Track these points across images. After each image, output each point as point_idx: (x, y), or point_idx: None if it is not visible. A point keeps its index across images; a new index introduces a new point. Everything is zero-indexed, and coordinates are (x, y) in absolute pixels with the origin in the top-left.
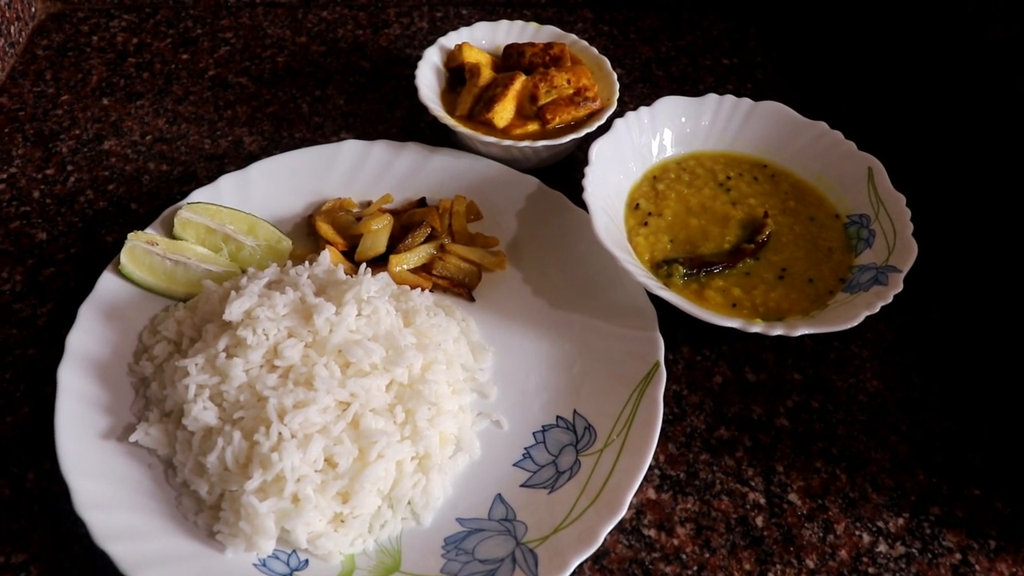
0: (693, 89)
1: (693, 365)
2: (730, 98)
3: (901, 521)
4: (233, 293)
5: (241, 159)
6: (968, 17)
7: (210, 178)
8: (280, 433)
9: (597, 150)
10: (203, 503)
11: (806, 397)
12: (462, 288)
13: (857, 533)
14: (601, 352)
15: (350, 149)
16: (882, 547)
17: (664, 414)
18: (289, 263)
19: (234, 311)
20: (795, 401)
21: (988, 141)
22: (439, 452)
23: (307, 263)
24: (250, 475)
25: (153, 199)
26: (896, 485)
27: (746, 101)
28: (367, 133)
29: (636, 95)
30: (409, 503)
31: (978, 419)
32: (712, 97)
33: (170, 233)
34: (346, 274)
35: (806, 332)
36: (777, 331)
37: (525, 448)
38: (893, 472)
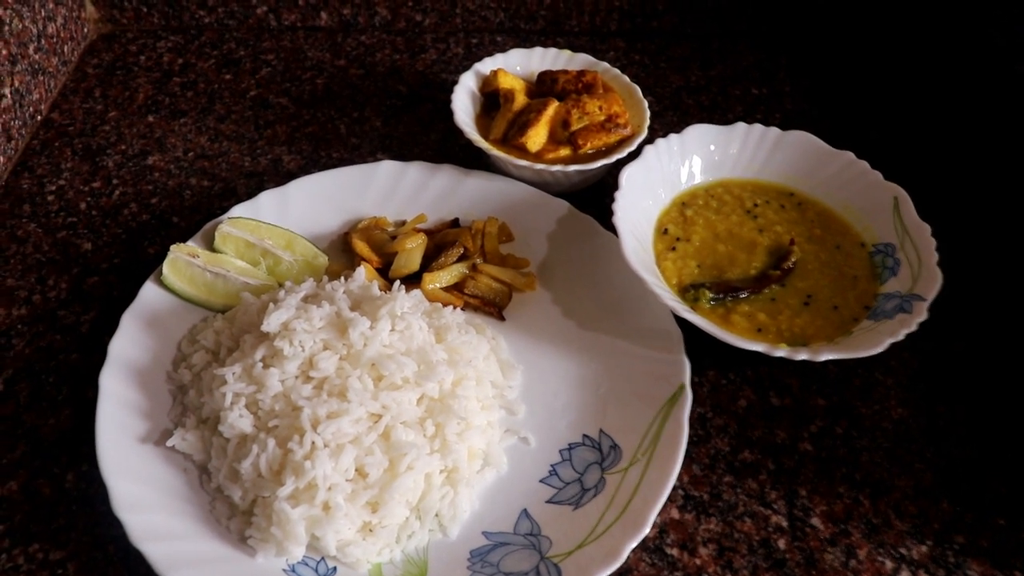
0: (722, 118)
1: (718, 388)
2: (758, 127)
3: (924, 549)
4: (271, 305)
5: (280, 177)
6: (998, 50)
7: (250, 194)
8: (313, 442)
9: (627, 175)
10: (236, 508)
11: (830, 422)
12: (493, 307)
13: (880, 559)
14: (628, 373)
15: (386, 169)
16: (905, 574)
17: (689, 435)
18: (325, 278)
19: (272, 322)
20: (819, 426)
21: (1015, 173)
22: (467, 466)
23: (343, 279)
24: (283, 482)
25: (194, 213)
26: (920, 512)
27: (774, 130)
28: (403, 154)
29: (666, 123)
30: (436, 515)
31: (1003, 448)
32: (741, 126)
33: (211, 246)
34: (380, 291)
35: (830, 358)
36: (802, 356)
37: (551, 465)
38: (917, 499)
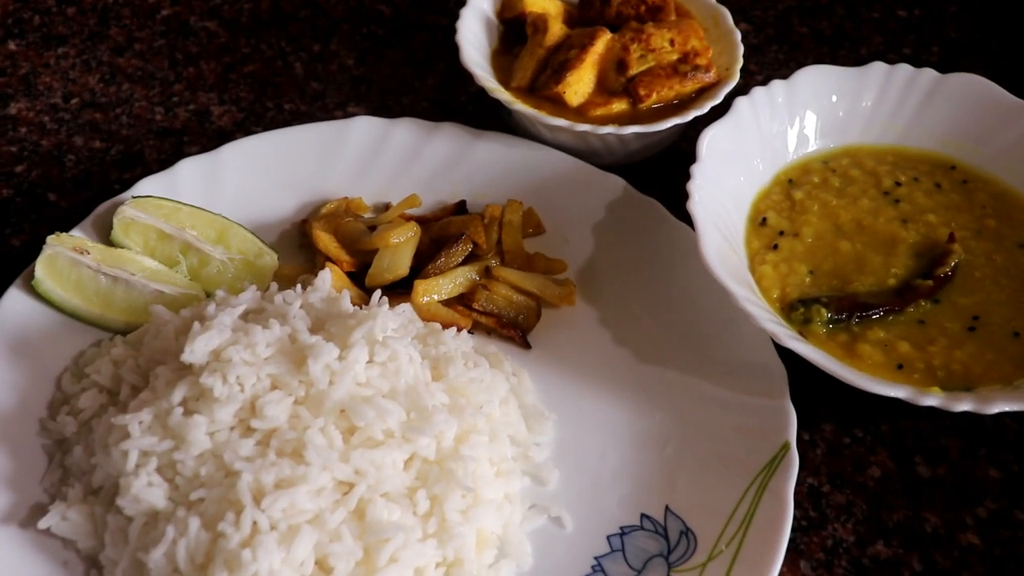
0: (851, 54)
1: (838, 450)
2: (905, 68)
3: None
4: (196, 325)
5: (207, 137)
6: None
7: (164, 162)
8: (255, 522)
9: (710, 141)
10: None
11: (1007, 504)
12: (514, 330)
13: None
14: (707, 426)
15: (362, 130)
16: None
17: (795, 518)
18: (274, 286)
19: (197, 350)
20: (990, 509)
21: None
22: (475, 559)
23: (299, 287)
24: None
25: (81, 189)
26: None
27: (929, 72)
28: (386, 107)
29: (768, 62)
30: None
31: None
32: (879, 67)
33: (106, 238)
34: (353, 304)
35: (1007, 409)
36: (964, 406)
37: (596, 558)
38: None
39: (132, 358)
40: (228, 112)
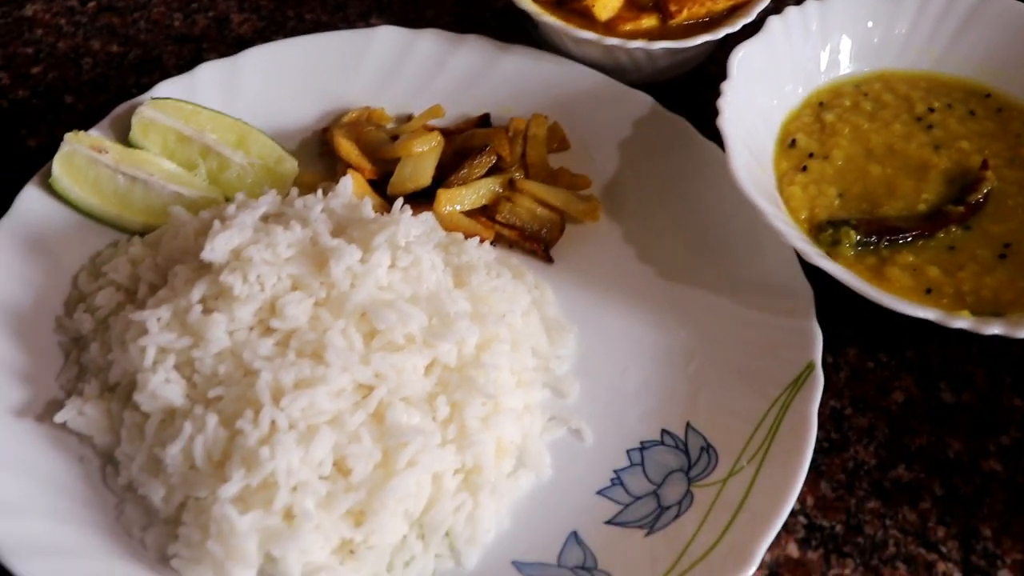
0: None
1: (862, 374)
2: None
3: None
4: (216, 223)
5: (226, 45)
6: None
7: (182, 68)
8: (274, 421)
9: (741, 60)
10: (155, 514)
11: None
12: (536, 243)
13: None
14: (731, 344)
15: (385, 40)
16: None
17: (817, 439)
18: (294, 191)
19: (217, 248)
20: (1014, 437)
21: None
22: (493, 466)
23: (319, 192)
24: (227, 477)
25: (98, 92)
26: None
27: None
28: (409, 18)
29: None
30: (447, 534)
31: None
32: None
33: (125, 138)
34: (375, 211)
35: None
36: (993, 330)
37: (615, 471)
38: None
39: (150, 257)
40: (248, 20)
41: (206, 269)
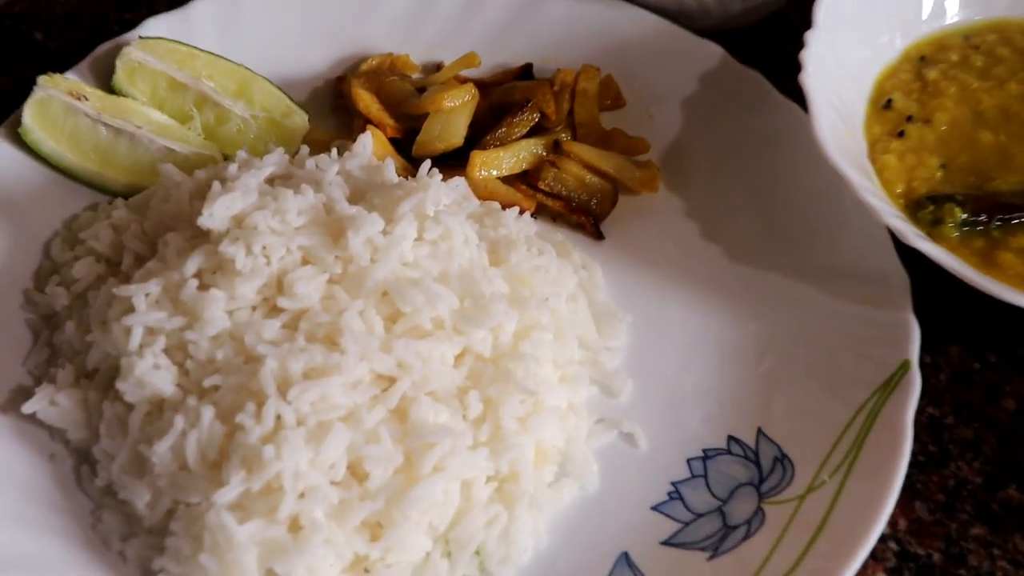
0: None
1: (966, 377)
2: None
3: None
4: (216, 185)
5: None
6: None
7: (175, 3)
8: (280, 416)
9: (828, 5)
10: (138, 522)
11: None
12: (585, 216)
13: None
14: (811, 339)
15: None
16: None
17: (912, 452)
18: (304, 150)
19: (217, 214)
20: None
21: None
22: (532, 475)
23: (333, 151)
24: (224, 480)
25: (73, 28)
26: None
27: None
28: None
29: None
30: (477, 552)
31: None
32: None
33: (107, 84)
34: (399, 175)
35: None
36: None
37: (673, 483)
38: None
39: (136, 223)
40: None
41: (203, 238)
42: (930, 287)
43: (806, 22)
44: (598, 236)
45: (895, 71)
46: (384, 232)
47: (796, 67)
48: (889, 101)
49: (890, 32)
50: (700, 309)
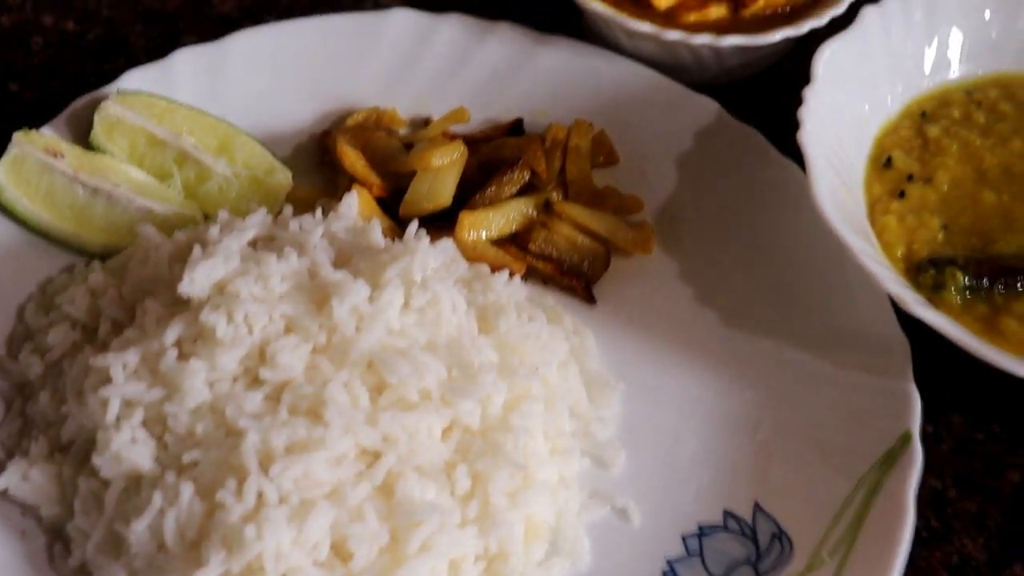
0: None
1: (969, 447)
2: None
3: None
4: (197, 250)
5: (207, 25)
6: None
7: (153, 53)
8: (262, 493)
9: (828, 59)
10: None
11: None
12: (577, 279)
13: None
14: (809, 408)
15: (400, 26)
16: None
17: (915, 527)
18: (288, 210)
19: (198, 280)
20: None
21: None
22: (522, 553)
23: (318, 212)
24: (204, 560)
25: (50, 79)
26: None
27: None
28: (427, 1)
29: None
30: None
31: None
32: None
33: (85, 139)
34: (385, 236)
35: None
36: None
37: (668, 560)
38: None
39: (114, 287)
40: None
41: (183, 305)
42: (932, 353)
43: (804, 74)
44: (590, 300)
45: (896, 127)
46: (370, 299)
47: (794, 122)
48: (889, 159)
49: (891, 87)
50: (695, 376)
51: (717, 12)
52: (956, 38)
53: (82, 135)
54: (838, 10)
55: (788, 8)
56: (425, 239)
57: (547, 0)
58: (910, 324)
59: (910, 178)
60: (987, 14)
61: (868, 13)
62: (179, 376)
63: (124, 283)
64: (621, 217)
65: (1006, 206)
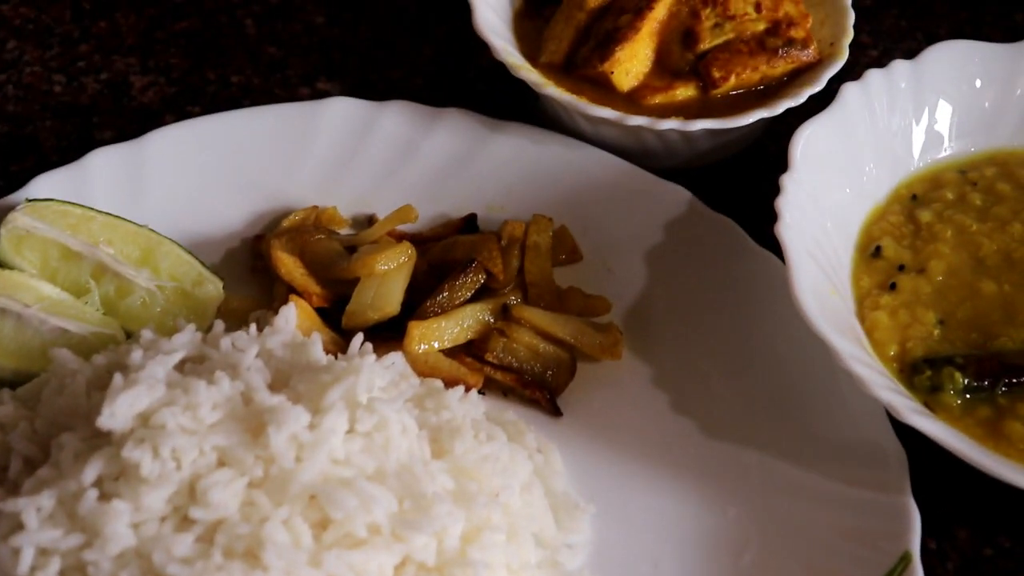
0: (1000, 23)
1: (977, 564)
2: None
3: None
4: (117, 378)
5: (126, 119)
6: None
7: (65, 151)
8: None
9: (807, 142)
10: None
11: None
12: (539, 390)
13: None
14: (797, 528)
15: (338, 116)
16: None
17: None
18: (219, 324)
19: (119, 413)
20: None
21: None
22: None
23: (252, 327)
24: None
25: None
26: None
27: None
28: (367, 84)
29: (885, 33)
30: None
31: None
32: None
33: None
34: (327, 352)
35: None
36: None
37: None
38: None
39: (25, 420)
40: (154, 84)
41: (103, 439)
42: (932, 460)
43: (782, 153)
44: (555, 412)
45: (884, 213)
46: (310, 426)
47: (773, 209)
48: (878, 248)
49: (877, 169)
50: (672, 494)
51: (684, 93)
52: (945, 111)
53: None
54: (816, 87)
55: (761, 86)
56: (371, 354)
57: (498, 84)
58: (907, 429)
59: (901, 268)
60: (978, 83)
61: (849, 90)
62: (100, 520)
63: (37, 415)
64: (587, 320)
65: (1007, 296)
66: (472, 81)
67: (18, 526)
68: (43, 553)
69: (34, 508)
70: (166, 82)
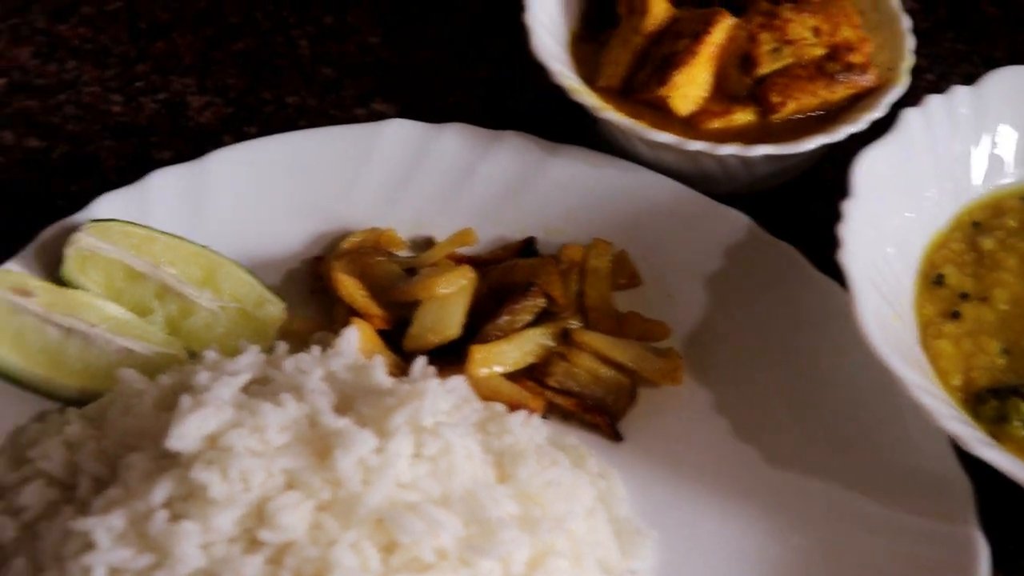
0: None
1: None
2: None
3: None
4: (185, 399)
5: (183, 138)
6: None
7: (124, 171)
8: None
9: (868, 169)
10: None
11: None
12: (600, 415)
13: None
14: (862, 558)
15: (396, 138)
16: None
17: None
18: (281, 346)
19: (188, 434)
20: None
21: None
22: None
23: (315, 349)
24: None
25: (11, 204)
26: None
27: None
28: (422, 106)
29: (942, 57)
30: None
31: None
32: None
33: (55, 275)
34: (390, 374)
35: None
36: None
37: None
38: None
39: (93, 440)
40: (211, 105)
41: (170, 459)
42: (1000, 491)
43: (842, 179)
44: (616, 437)
45: (946, 240)
46: (377, 450)
47: (833, 234)
48: (940, 276)
49: (939, 195)
50: (734, 521)
51: (743, 118)
52: (1008, 136)
53: (52, 268)
54: (877, 113)
55: (822, 111)
56: (434, 380)
57: (556, 107)
58: (973, 460)
59: (964, 296)
60: None
61: (910, 115)
62: (170, 540)
63: (104, 435)
64: (647, 345)
65: None
66: (529, 104)
67: (88, 545)
68: (114, 572)
69: (105, 528)
70: (223, 103)
